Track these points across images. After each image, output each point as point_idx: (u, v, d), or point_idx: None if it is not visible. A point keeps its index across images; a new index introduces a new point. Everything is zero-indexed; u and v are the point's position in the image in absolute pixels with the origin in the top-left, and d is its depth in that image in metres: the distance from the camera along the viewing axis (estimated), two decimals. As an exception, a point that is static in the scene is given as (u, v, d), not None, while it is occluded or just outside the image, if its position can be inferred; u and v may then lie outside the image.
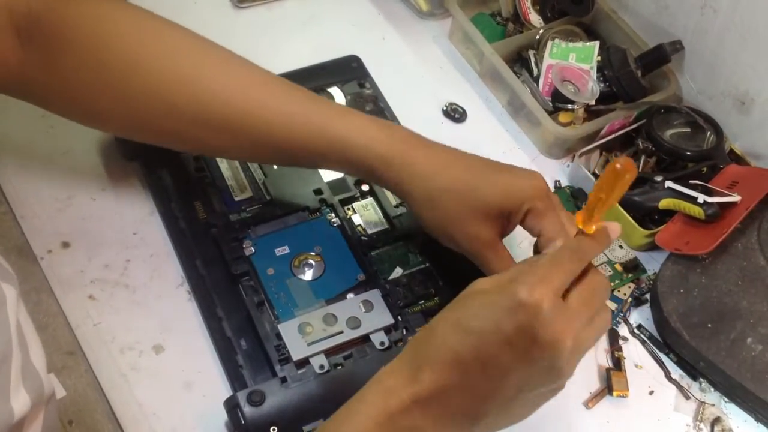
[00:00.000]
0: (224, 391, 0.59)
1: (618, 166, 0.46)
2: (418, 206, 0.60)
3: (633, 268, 0.71)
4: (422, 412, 0.47)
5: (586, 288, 0.48)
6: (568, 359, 0.47)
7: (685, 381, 0.66)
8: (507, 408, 0.49)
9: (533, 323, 0.45)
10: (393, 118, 0.77)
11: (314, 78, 0.78)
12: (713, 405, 0.65)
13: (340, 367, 0.60)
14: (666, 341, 0.67)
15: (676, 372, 0.67)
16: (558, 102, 0.79)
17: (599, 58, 0.81)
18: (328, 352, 0.61)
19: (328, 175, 0.71)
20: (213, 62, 0.60)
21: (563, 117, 0.79)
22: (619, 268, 0.71)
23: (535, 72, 0.82)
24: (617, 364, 0.66)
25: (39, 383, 0.43)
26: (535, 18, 0.86)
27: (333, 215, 0.68)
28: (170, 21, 0.60)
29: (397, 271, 0.67)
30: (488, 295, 0.47)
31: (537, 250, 0.59)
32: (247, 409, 0.56)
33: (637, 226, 0.71)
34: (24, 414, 0.41)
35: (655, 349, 0.67)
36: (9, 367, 0.40)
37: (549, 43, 0.82)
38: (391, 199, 0.70)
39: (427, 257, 0.67)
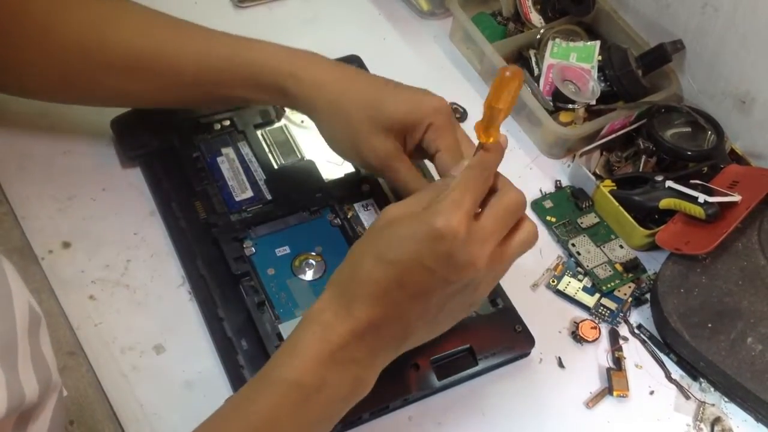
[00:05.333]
0: (225, 391, 0.59)
1: (507, 73, 0.49)
2: (325, 119, 0.62)
3: (633, 267, 0.71)
4: (359, 345, 0.50)
5: (498, 207, 0.51)
6: (485, 277, 0.52)
7: (686, 381, 0.66)
8: (431, 325, 0.54)
9: (450, 250, 0.48)
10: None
11: (315, 78, 0.78)
12: (713, 405, 0.65)
13: (340, 367, 0.60)
14: (666, 341, 0.67)
15: (677, 372, 0.67)
16: (559, 102, 0.79)
17: (600, 58, 0.81)
18: (329, 353, 0.60)
19: (329, 176, 0.71)
20: (116, 8, 0.63)
21: (564, 117, 0.79)
22: (619, 267, 0.71)
23: (536, 71, 0.82)
24: (617, 364, 0.66)
25: (48, 373, 0.44)
26: (535, 17, 0.86)
27: (333, 215, 0.68)
28: None
29: (398, 271, 0.67)
30: (405, 225, 0.49)
31: (440, 171, 0.61)
32: (248, 410, 0.56)
33: (637, 225, 0.71)
34: (34, 401, 0.42)
35: (656, 349, 0.67)
36: (16, 355, 0.41)
37: (550, 43, 0.82)
38: (392, 199, 0.70)
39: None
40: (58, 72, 0.63)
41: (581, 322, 0.67)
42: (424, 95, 0.61)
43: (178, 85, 0.64)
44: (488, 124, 0.51)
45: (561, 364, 0.66)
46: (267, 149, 0.72)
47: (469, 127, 0.80)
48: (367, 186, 0.71)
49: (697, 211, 0.69)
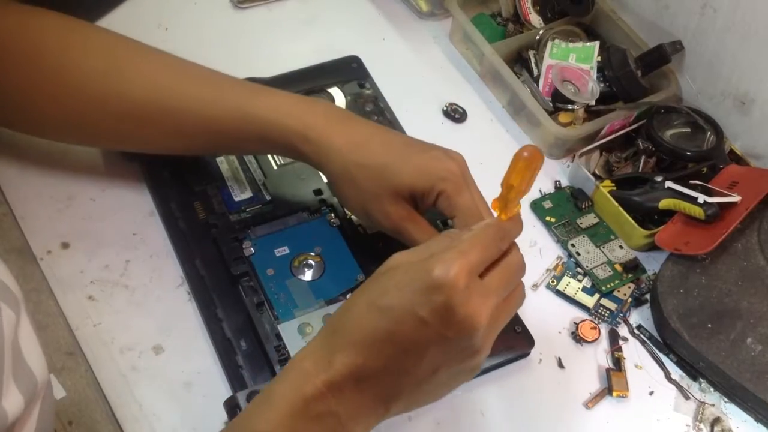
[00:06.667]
0: (224, 391, 0.59)
1: (526, 154, 0.47)
2: (336, 182, 0.61)
3: (633, 268, 0.71)
4: (337, 398, 0.45)
5: (505, 267, 0.48)
6: (484, 337, 0.47)
7: (685, 381, 0.66)
8: (421, 388, 0.48)
9: (448, 302, 0.44)
10: (393, 119, 0.77)
11: (314, 78, 0.78)
12: (713, 405, 0.65)
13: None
14: (666, 341, 0.67)
15: (676, 372, 0.67)
16: (558, 102, 0.79)
17: (599, 59, 0.81)
18: (328, 353, 0.60)
19: (328, 176, 0.71)
20: (129, 55, 0.62)
21: (563, 117, 0.79)
22: (619, 268, 0.71)
23: (535, 72, 0.82)
24: (617, 364, 0.66)
25: (33, 381, 0.43)
26: (535, 18, 0.86)
27: (333, 215, 0.68)
28: (94, 24, 0.63)
29: (397, 272, 0.66)
30: (403, 272, 0.46)
31: None
32: (247, 410, 0.56)
33: (636, 226, 0.71)
34: (17, 415, 0.41)
35: (655, 349, 0.67)
36: (2, 379, 0.39)
37: (549, 44, 0.82)
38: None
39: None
40: (69, 115, 0.62)
41: (581, 322, 0.67)
42: (435, 160, 0.58)
43: (186, 137, 0.63)
44: (506, 201, 0.49)
45: (561, 365, 0.66)
46: (266, 149, 0.72)
47: (468, 128, 0.81)
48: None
49: (697, 212, 0.69)
